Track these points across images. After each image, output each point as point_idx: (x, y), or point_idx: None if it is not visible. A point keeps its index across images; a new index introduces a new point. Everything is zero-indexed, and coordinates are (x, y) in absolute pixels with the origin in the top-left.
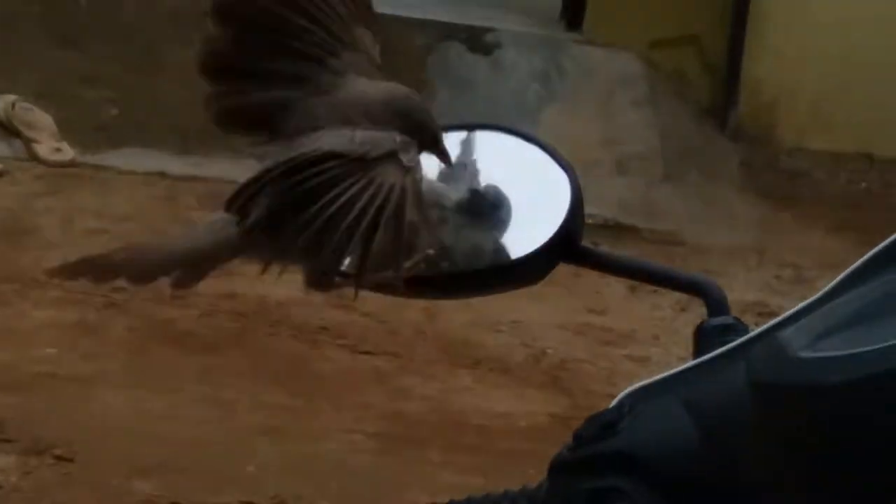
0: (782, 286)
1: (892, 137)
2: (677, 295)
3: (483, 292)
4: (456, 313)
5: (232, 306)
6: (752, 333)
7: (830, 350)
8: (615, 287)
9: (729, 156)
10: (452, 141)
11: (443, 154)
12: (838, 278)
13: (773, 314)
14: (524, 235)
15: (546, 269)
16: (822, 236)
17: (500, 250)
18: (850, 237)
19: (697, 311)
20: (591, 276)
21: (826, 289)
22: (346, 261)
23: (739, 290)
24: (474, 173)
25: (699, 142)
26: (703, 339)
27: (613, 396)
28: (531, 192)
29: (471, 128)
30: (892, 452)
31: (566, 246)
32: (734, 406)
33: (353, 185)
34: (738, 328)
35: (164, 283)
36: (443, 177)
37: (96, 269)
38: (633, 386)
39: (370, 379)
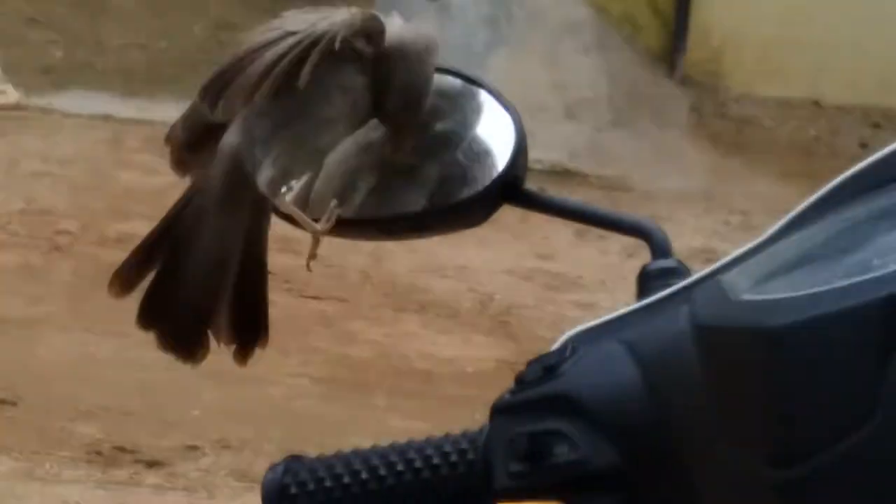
0: (730, 232)
1: (840, 84)
2: (624, 240)
3: (426, 234)
4: (402, 258)
5: None
6: (695, 276)
7: (773, 293)
8: (562, 232)
9: (678, 102)
10: None
11: None
12: (782, 221)
13: (719, 260)
14: (470, 176)
15: (489, 211)
16: (771, 183)
17: (444, 191)
18: (798, 184)
19: (644, 257)
20: (537, 222)
21: (770, 232)
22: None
23: (687, 236)
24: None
25: (648, 88)
26: (646, 282)
27: None
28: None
29: None
30: (832, 398)
31: (510, 188)
32: (676, 349)
33: None
34: (680, 271)
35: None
36: None
37: None
38: (576, 329)
39: (316, 323)
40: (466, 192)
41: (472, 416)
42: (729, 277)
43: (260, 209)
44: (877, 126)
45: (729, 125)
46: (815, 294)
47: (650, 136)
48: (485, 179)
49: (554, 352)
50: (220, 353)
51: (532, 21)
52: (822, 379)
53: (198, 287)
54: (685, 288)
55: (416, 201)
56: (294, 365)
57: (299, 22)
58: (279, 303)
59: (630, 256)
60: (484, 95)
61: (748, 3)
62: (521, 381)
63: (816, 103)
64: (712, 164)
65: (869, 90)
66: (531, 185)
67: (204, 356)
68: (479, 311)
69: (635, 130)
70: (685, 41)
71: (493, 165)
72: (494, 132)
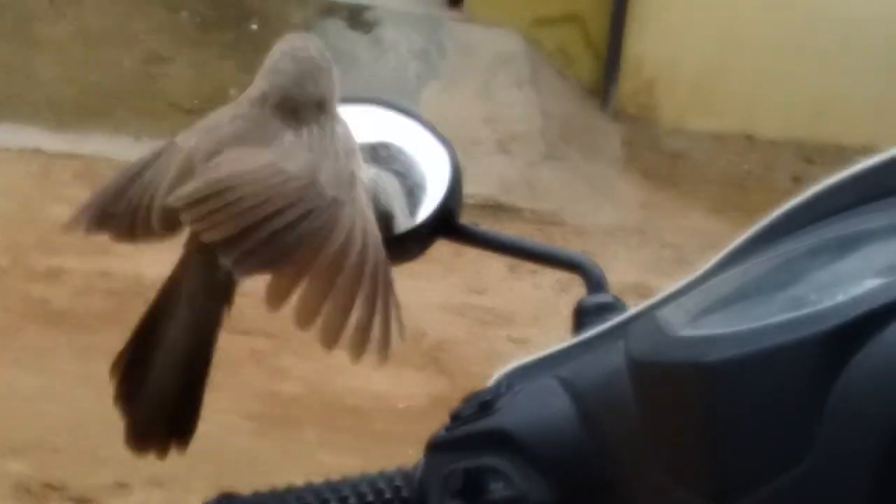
0: (663, 266)
1: (773, 119)
2: (558, 275)
3: None
4: None
5: (107, 285)
6: (631, 312)
7: (710, 328)
8: (495, 267)
9: (611, 135)
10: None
11: None
12: (718, 256)
13: (653, 295)
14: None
15: (424, 246)
16: (703, 217)
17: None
18: (731, 218)
19: (578, 292)
20: (471, 256)
21: (706, 267)
22: None
23: (620, 271)
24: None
25: (581, 121)
26: (582, 317)
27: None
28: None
29: (349, 101)
30: (767, 435)
31: (444, 222)
32: (612, 385)
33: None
34: (616, 306)
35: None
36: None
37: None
38: (512, 365)
39: (247, 359)
40: (401, 227)
41: (404, 452)
42: (665, 313)
43: (222, 300)
44: (809, 161)
45: (662, 159)
46: (750, 330)
47: (583, 169)
48: (419, 214)
49: (489, 388)
50: None
51: (464, 54)
52: (758, 416)
53: (167, 376)
54: (621, 323)
55: None
56: (225, 401)
57: None
58: None
59: (563, 291)
60: (418, 128)
61: (681, 36)
62: (456, 417)
63: (749, 137)
64: (645, 198)
65: (801, 125)
66: (464, 219)
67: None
68: (410, 347)
69: (568, 164)
70: (617, 74)
71: (427, 200)
72: (429, 166)
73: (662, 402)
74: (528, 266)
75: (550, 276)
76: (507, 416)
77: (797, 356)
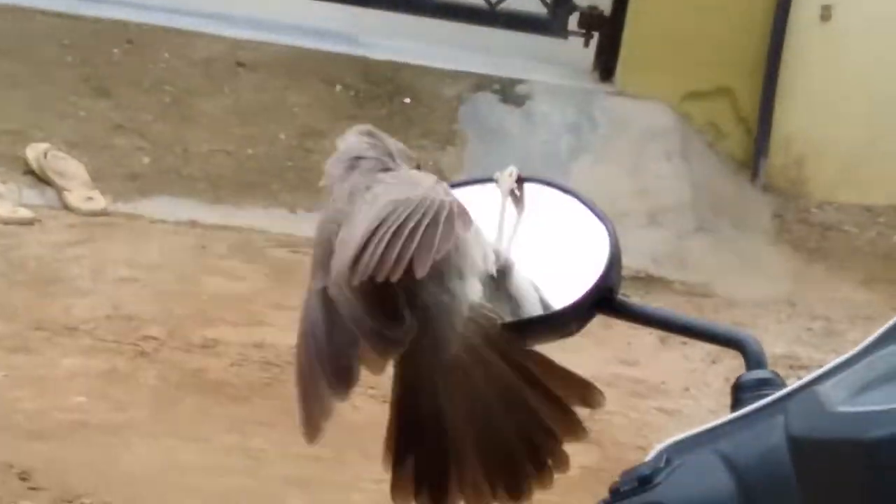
0: (813, 339)
1: None
2: (708, 347)
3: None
4: None
5: (262, 356)
6: (790, 388)
7: (870, 404)
8: (646, 338)
9: (760, 208)
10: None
11: None
12: (877, 333)
13: (803, 367)
14: (564, 287)
15: (584, 321)
16: (854, 289)
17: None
18: (881, 290)
19: (728, 364)
20: (621, 327)
21: (864, 343)
22: None
23: (770, 343)
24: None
25: (731, 194)
26: (741, 392)
27: (644, 448)
28: (570, 244)
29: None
30: None
31: (605, 298)
32: (772, 461)
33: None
34: (775, 382)
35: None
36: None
37: None
38: (671, 439)
39: None
40: (564, 302)
41: None
42: (824, 388)
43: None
44: None
45: (811, 231)
46: None
47: (733, 242)
48: (582, 290)
49: (648, 462)
50: (302, 459)
51: (615, 128)
52: None
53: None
54: (780, 399)
55: (511, 313)
56: (378, 471)
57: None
58: (363, 408)
59: (714, 363)
60: (578, 205)
61: (831, 111)
62: (615, 492)
63: None
64: (795, 271)
65: None
66: None
67: None
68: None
69: (718, 236)
70: (767, 148)
71: (589, 275)
72: (589, 242)
73: (823, 479)
74: (679, 338)
75: (701, 348)
76: (666, 492)
77: None
